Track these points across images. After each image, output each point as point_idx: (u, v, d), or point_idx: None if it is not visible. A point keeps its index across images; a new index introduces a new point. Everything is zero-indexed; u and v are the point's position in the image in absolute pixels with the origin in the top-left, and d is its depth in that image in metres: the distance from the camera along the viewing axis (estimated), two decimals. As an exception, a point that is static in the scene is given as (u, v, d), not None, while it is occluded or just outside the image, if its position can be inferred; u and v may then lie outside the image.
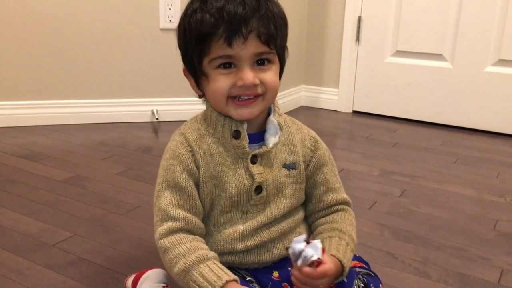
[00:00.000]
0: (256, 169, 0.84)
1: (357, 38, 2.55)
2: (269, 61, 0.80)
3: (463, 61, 2.32)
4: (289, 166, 0.87)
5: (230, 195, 0.83)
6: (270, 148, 0.84)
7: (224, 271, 0.75)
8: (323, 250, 0.75)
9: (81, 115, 2.27)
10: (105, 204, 1.48)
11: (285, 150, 0.88)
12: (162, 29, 2.25)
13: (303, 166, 0.89)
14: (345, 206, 0.92)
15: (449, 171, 1.85)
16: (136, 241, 1.28)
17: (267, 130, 0.85)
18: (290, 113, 2.39)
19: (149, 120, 2.33)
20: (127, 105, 2.31)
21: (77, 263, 1.17)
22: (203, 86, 0.83)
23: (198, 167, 0.83)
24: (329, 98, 2.70)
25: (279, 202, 0.87)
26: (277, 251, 0.87)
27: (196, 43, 0.78)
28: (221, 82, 0.79)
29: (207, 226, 0.86)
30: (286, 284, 0.87)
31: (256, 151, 0.84)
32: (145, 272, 1.03)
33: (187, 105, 2.26)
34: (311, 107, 2.75)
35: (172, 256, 0.78)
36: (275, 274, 0.87)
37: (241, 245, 0.84)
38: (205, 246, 0.80)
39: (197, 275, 0.75)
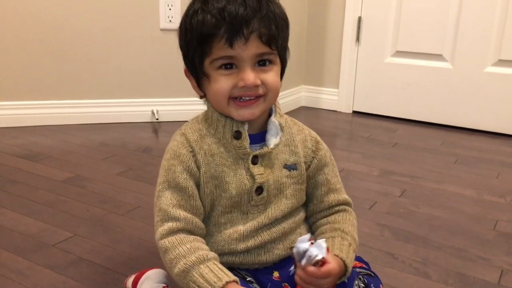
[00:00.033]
0: (257, 169, 0.84)
1: (357, 39, 2.55)
2: (271, 62, 0.80)
3: (463, 61, 2.32)
4: (290, 167, 0.87)
5: (231, 195, 0.83)
6: (271, 148, 0.84)
7: (224, 272, 0.75)
8: (327, 250, 0.75)
9: (81, 115, 2.27)
10: (105, 204, 1.48)
11: (286, 150, 0.87)
12: (162, 30, 2.25)
13: (304, 167, 0.89)
14: (346, 207, 0.92)
15: (449, 171, 1.85)
16: (136, 241, 1.28)
17: (268, 130, 0.85)
18: (290, 113, 2.38)
19: (149, 120, 2.33)
20: (127, 105, 2.31)
21: (77, 263, 1.17)
22: (205, 86, 0.83)
23: (199, 168, 0.83)
24: (329, 98, 2.70)
25: (279, 203, 0.87)
26: (277, 252, 0.87)
27: (197, 43, 0.78)
28: (222, 83, 0.79)
29: (207, 226, 0.86)
30: (286, 284, 0.87)
31: (257, 152, 0.84)
32: (145, 272, 1.03)
33: (187, 105, 2.26)
34: (311, 107, 2.75)
35: (173, 257, 0.78)
36: (275, 274, 0.87)
37: (242, 246, 0.84)
38: (205, 247, 0.80)
39: (197, 276, 0.75)
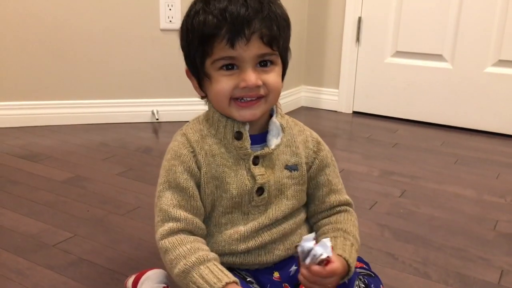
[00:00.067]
0: (257, 170, 0.84)
1: (357, 39, 2.55)
2: (272, 63, 0.80)
3: (463, 61, 2.32)
4: (291, 168, 0.87)
5: (232, 196, 0.83)
6: (272, 149, 0.84)
7: (224, 273, 0.75)
8: (332, 249, 0.75)
9: (81, 116, 2.27)
10: (106, 204, 1.48)
11: (287, 151, 0.87)
12: (162, 30, 2.25)
13: (305, 167, 0.89)
14: (347, 207, 0.93)
15: (449, 171, 1.85)
16: (137, 241, 1.28)
17: (269, 131, 0.85)
18: (290, 113, 2.38)
19: (149, 121, 2.33)
20: (127, 106, 2.31)
21: (77, 264, 1.17)
22: (206, 87, 0.83)
23: (199, 168, 0.83)
24: (329, 98, 2.70)
25: (280, 204, 0.87)
26: (278, 252, 0.87)
27: (198, 44, 0.78)
28: (223, 83, 0.78)
29: (208, 226, 0.86)
30: (287, 284, 0.87)
31: (258, 152, 0.84)
32: (145, 272, 1.03)
33: (187, 106, 2.27)
34: (311, 108, 2.75)
35: (173, 257, 0.78)
36: (276, 275, 0.87)
37: (242, 246, 0.84)
38: (205, 247, 0.80)
39: (197, 277, 0.75)
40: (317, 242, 0.75)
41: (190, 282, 0.75)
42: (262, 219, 0.85)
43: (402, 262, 1.22)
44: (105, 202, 1.49)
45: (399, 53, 2.47)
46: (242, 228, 0.84)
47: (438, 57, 2.37)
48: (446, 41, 2.33)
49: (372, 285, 0.85)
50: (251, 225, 0.85)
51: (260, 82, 0.78)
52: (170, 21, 2.24)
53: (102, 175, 1.70)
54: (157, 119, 2.32)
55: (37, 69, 2.18)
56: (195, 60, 0.81)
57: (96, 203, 1.48)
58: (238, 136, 0.83)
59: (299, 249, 0.74)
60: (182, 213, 0.81)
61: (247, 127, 0.83)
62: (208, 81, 0.81)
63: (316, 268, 0.73)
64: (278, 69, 0.82)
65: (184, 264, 0.76)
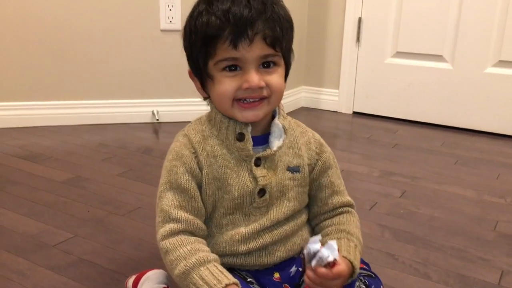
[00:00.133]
0: (259, 172, 0.84)
1: (358, 39, 2.55)
2: (275, 64, 0.80)
3: (463, 62, 2.32)
4: (293, 169, 0.87)
5: (233, 197, 0.83)
6: (274, 151, 0.84)
7: (224, 274, 0.75)
8: (338, 251, 0.75)
9: (81, 116, 2.27)
10: (106, 205, 1.48)
11: (289, 153, 0.87)
12: (162, 30, 2.25)
13: (308, 169, 0.89)
14: (349, 208, 0.93)
15: (449, 172, 1.85)
16: (137, 242, 1.28)
17: (272, 133, 0.85)
18: (290, 114, 2.38)
19: (149, 121, 2.34)
20: (127, 106, 2.31)
21: (77, 264, 1.17)
22: (209, 88, 0.83)
23: (201, 169, 0.83)
24: (330, 99, 2.70)
25: (282, 205, 0.86)
26: (278, 254, 0.87)
27: (201, 45, 0.78)
28: (226, 84, 0.78)
29: (209, 227, 0.85)
30: (287, 285, 0.87)
31: (260, 154, 0.84)
32: (145, 272, 1.03)
33: (188, 106, 2.27)
34: (312, 108, 2.75)
35: (173, 258, 0.78)
36: (276, 275, 0.87)
37: (243, 248, 0.84)
38: (206, 248, 0.80)
39: (197, 278, 0.75)
40: (322, 243, 0.75)
41: (190, 283, 0.75)
42: (263, 221, 0.85)
43: (402, 263, 1.22)
44: (105, 203, 1.49)
45: (399, 54, 2.47)
46: (243, 230, 0.84)
47: (438, 57, 2.37)
48: (446, 41, 2.33)
49: (373, 286, 0.86)
50: (252, 226, 0.84)
51: (263, 83, 0.78)
52: (170, 21, 2.24)
53: (102, 175, 1.70)
54: (157, 120, 2.32)
55: (37, 69, 2.18)
56: (198, 61, 0.81)
57: (96, 204, 1.48)
58: (240, 137, 0.83)
59: (305, 251, 0.74)
60: (183, 214, 0.81)
61: (249, 129, 0.83)
62: (211, 82, 0.81)
63: (322, 270, 0.73)
64: (281, 70, 0.82)
65: (184, 265, 0.76)
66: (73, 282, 1.10)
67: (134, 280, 1.04)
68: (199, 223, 0.82)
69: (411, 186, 1.70)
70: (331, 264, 0.73)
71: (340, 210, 0.92)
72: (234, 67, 0.78)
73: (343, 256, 0.79)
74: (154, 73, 2.30)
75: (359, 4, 2.49)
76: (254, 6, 0.75)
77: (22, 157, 1.85)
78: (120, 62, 2.26)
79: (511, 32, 2.19)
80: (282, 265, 0.88)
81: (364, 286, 0.84)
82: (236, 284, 0.74)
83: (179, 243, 0.79)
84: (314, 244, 0.74)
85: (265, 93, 0.79)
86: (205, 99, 0.87)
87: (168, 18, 2.23)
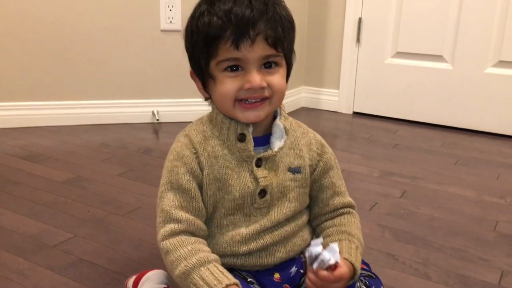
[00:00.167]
0: (260, 172, 0.84)
1: (358, 39, 2.55)
2: (276, 64, 0.80)
3: (463, 62, 2.32)
4: (294, 170, 0.87)
5: (234, 198, 0.83)
6: (275, 152, 0.84)
7: (225, 275, 0.75)
8: (340, 254, 0.75)
9: (81, 116, 2.27)
10: (106, 205, 1.48)
11: (290, 154, 0.87)
12: (162, 30, 2.25)
13: (309, 170, 0.89)
14: (350, 209, 0.93)
15: (449, 172, 1.85)
16: (137, 242, 1.28)
17: (273, 133, 0.85)
18: (291, 114, 2.39)
19: (149, 121, 2.34)
20: (127, 106, 2.31)
21: (78, 264, 1.17)
22: (210, 88, 0.82)
23: (202, 169, 0.83)
24: (330, 99, 2.70)
25: (282, 206, 0.86)
26: (279, 254, 0.87)
27: (203, 45, 0.78)
28: (228, 85, 0.78)
29: (209, 228, 0.85)
30: (287, 285, 0.87)
31: (261, 155, 0.83)
32: (146, 273, 1.03)
33: (188, 106, 2.27)
34: (312, 108, 2.75)
35: (174, 258, 0.78)
36: (276, 275, 0.87)
37: (244, 248, 0.84)
38: (206, 249, 0.80)
39: (198, 278, 0.75)
40: (324, 246, 0.75)
41: (191, 284, 0.75)
42: (264, 222, 0.85)
43: (402, 263, 1.22)
44: (105, 203, 1.49)
45: (399, 54, 2.47)
46: (243, 230, 0.84)
47: (438, 57, 2.37)
48: (446, 41, 2.34)
49: (373, 287, 0.85)
50: (253, 227, 0.84)
51: (264, 84, 0.78)
52: (171, 21, 2.24)
53: (103, 175, 1.70)
54: (158, 120, 2.32)
55: (37, 69, 2.18)
56: (199, 62, 0.81)
57: (97, 204, 1.48)
58: (242, 138, 0.82)
59: (306, 253, 0.74)
60: (183, 215, 0.81)
61: (250, 129, 0.83)
62: (212, 82, 0.81)
63: (324, 273, 0.73)
64: (282, 70, 0.82)
65: (184, 266, 0.76)
66: (73, 282, 1.10)
67: (134, 281, 1.04)
68: (199, 223, 0.82)
69: (411, 186, 1.70)
70: (333, 267, 0.73)
71: (341, 211, 0.92)
72: (235, 67, 0.78)
73: (345, 258, 0.79)
74: (154, 73, 2.30)
75: (359, 5, 2.50)
76: (256, 6, 0.75)
77: (22, 157, 1.85)
78: (120, 62, 2.26)
79: (511, 32, 2.19)
80: (283, 266, 0.88)
81: (364, 287, 0.84)
82: (237, 285, 0.74)
83: (180, 243, 0.79)
84: (315, 247, 0.74)
85: (266, 93, 0.79)
86: (206, 99, 0.87)
87: (168, 18, 2.23)
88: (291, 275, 0.88)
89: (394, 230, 1.38)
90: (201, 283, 0.74)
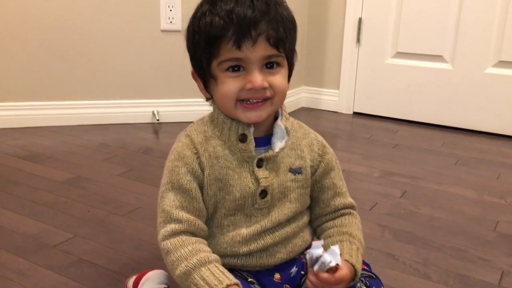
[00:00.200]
0: (261, 173, 0.84)
1: (358, 40, 2.55)
2: (278, 64, 0.80)
3: (464, 62, 2.32)
4: (295, 171, 0.87)
5: (235, 198, 0.83)
6: (276, 152, 0.84)
7: (225, 275, 0.75)
8: (340, 256, 0.75)
9: (81, 116, 2.27)
10: (106, 205, 1.48)
11: (292, 154, 0.87)
12: (163, 31, 2.25)
13: (310, 171, 0.89)
14: (351, 210, 0.93)
15: (449, 172, 1.85)
16: (137, 242, 1.28)
17: (274, 134, 0.85)
18: (291, 114, 2.38)
19: (149, 121, 2.34)
20: (127, 106, 2.31)
21: (78, 264, 1.17)
22: (212, 88, 0.82)
23: (202, 170, 0.83)
24: (330, 99, 2.70)
25: (283, 207, 0.86)
26: (280, 255, 0.87)
27: (205, 45, 0.78)
28: (229, 85, 0.78)
29: (210, 228, 0.85)
30: (287, 286, 0.87)
31: (262, 155, 0.83)
32: (146, 273, 1.03)
33: (188, 106, 2.27)
34: (312, 108, 2.75)
35: (174, 258, 0.78)
36: (277, 276, 0.87)
37: (244, 249, 0.84)
38: (207, 249, 0.80)
39: (198, 278, 0.75)
40: (324, 247, 0.75)
41: (192, 284, 0.75)
42: (265, 222, 0.85)
43: (402, 263, 1.22)
44: (105, 203, 1.49)
45: (400, 54, 2.47)
46: (244, 231, 0.84)
47: (439, 58, 2.37)
48: (446, 42, 2.34)
49: (374, 287, 0.85)
50: (254, 228, 0.84)
51: (266, 84, 0.78)
52: (171, 22, 2.24)
53: (103, 175, 1.70)
54: (158, 120, 2.32)
55: (37, 69, 2.18)
56: (201, 62, 0.81)
57: (97, 204, 1.48)
58: (243, 138, 0.82)
59: (307, 255, 0.74)
60: (184, 215, 0.81)
61: (251, 130, 0.83)
62: (214, 82, 0.81)
63: (325, 275, 0.73)
64: (284, 71, 0.81)
65: (185, 266, 0.76)
66: (73, 282, 1.10)
67: (134, 281, 1.04)
68: (200, 223, 0.82)
69: (411, 186, 1.70)
70: (333, 269, 0.73)
71: (342, 211, 0.92)
72: (237, 67, 0.78)
73: (345, 260, 0.79)
74: (155, 73, 2.30)
75: (359, 5, 2.50)
76: (257, 6, 0.75)
77: (23, 157, 1.85)
78: (120, 63, 2.26)
79: (511, 32, 2.19)
80: (283, 266, 0.88)
81: (365, 287, 0.84)
82: (237, 285, 0.74)
83: (180, 243, 0.79)
84: (316, 249, 0.74)
85: (268, 93, 0.79)
86: (207, 99, 0.87)
87: (169, 18, 2.23)
88: (292, 275, 0.88)
89: (394, 230, 1.38)
90: (202, 283, 0.74)
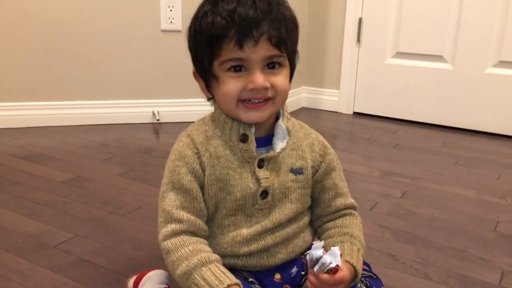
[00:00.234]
0: (262, 173, 0.83)
1: (358, 40, 2.55)
2: (280, 65, 0.80)
3: (464, 62, 2.32)
4: (296, 171, 0.87)
5: (236, 198, 0.83)
6: (277, 152, 0.84)
7: (226, 275, 0.75)
8: (341, 257, 0.75)
9: (81, 116, 2.27)
10: (106, 205, 1.48)
11: (293, 155, 0.87)
12: (163, 31, 2.25)
13: (311, 171, 0.89)
14: (352, 211, 0.93)
15: (449, 172, 1.85)
16: (137, 242, 1.28)
17: (275, 134, 0.85)
18: (291, 114, 2.38)
19: (150, 121, 2.34)
20: (128, 106, 2.31)
21: (78, 264, 1.17)
22: (213, 88, 0.82)
23: (203, 170, 0.83)
24: (330, 99, 2.70)
25: (284, 207, 0.86)
26: (280, 256, 0.87)
27: (206, 45, 0.78)
28: (231, 85, 0.78)
29: (211, 228, 0.85)
30: (288, 286, 0.87)
31: (263, 155, 0.83)
32: (146, 273, 1.03)
33: (188, 106, 2.27)
34: (312, 108, 2.75)
35: (175, 258, 0.78)
36: (277, 276, 0.87)
37: (245, 249, 0.84)
38: (208, 249, 0.80)
39: (199, 278, 0.75)
40: (325, 248, 0.75)
41: (192, 284, 0.75)
42: (266, 223, 0.85)
43: (402, 263, 1.22)
44: (105, 203, 1.49)
45: (400, 54, 2.47)
46: (245, 231, 0.84)
47: (439, 58, 2.37)
48: (446, 42, 2.33)
49: (374, 287, 0.85)
50: (254, 228, 0.84)
51: (268, 84, 0.78)
52: (171, 22, 2.23)
53: (103, 175, 1.70)
54: (158, 120, 2.32)
55: (37, 69, 2.18)
56: (203, 62, 0.80)
57: (97, 204, 1.48)
58: (244, 138, 0.82)
59: (308, 256, 0.74)
60: (185, 215, 0.81)
61: (252, 130, 0.82)
62: (215, 82, 0.80)
63: (325, 276, 0.73)
64: (286, 71, 0.81)
65: (186, 266, 0.76)
66: (74, 282, 1.10)
67: (134, 281, 1.04)
68: (201, 223, 0.82)
69: (412, 187, 1.70)
70: (334, 270, 0.73)
71: (343, 212, 0.92)
72: (239, 67, 0.78)
73: (346, 260, 0.79)
74: (155, 73, 2.30)
75: (359, 5, 2.50)
76: (259, 6, 0.75)
77: (22, 157, 1.85)
78: (120, 63, 2.26)
79: (511, 33, 2.19)
80: (283, 266, 0.88)
81: (365, 287, 0.84)
82: (238, 285, 0.74)
83: (181, 243, 0.78)
84: (317, 250, 0.74)
85: (269, 94, 0.79)
86: (209, 99, 0.87)
87: (169, 18, 2.23)
88: (292, 275, 0.88)
89: (394, 230, 1.38)
90: (203, 283, 0.74)
